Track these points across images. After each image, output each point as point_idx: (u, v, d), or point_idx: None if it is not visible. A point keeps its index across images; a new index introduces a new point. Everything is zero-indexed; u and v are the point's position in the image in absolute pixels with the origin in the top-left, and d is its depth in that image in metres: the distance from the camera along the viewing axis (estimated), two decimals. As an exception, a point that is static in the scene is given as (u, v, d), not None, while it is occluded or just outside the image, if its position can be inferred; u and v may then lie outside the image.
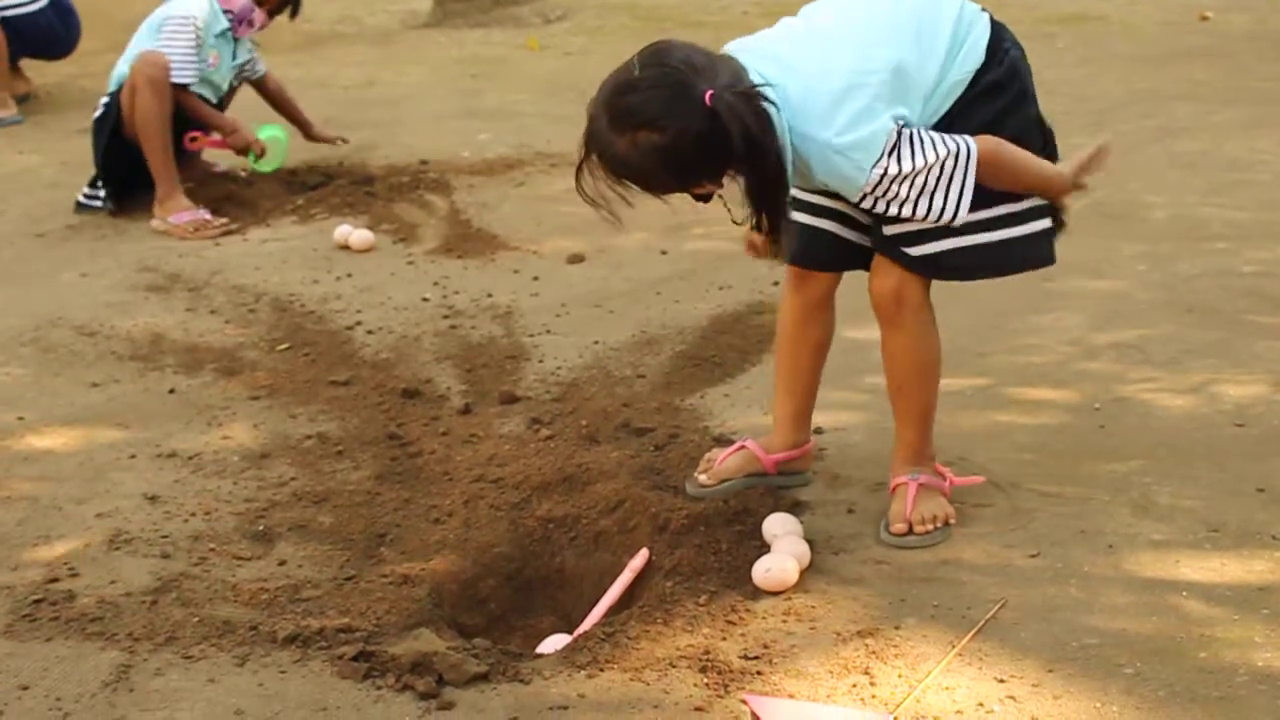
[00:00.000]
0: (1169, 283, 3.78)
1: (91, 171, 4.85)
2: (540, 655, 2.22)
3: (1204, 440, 2.81)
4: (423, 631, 2.20)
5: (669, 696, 2.03)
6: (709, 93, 2.11)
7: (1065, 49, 7.41)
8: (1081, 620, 2.19)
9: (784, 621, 2.22)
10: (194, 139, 4.86)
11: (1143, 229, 4.29)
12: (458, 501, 2.68)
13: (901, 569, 2.38)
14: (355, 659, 2.12)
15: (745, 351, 3.43)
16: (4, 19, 6.29)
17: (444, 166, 5.30)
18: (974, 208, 2.34)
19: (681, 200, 2.33)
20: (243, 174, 5.07)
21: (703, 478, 2.63)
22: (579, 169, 2.23)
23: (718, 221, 2.53)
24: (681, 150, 2.15)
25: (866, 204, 2.32)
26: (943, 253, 2.38)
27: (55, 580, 2.42)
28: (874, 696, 2.02)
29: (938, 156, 2.27)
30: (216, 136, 4.89)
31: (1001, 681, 2.04)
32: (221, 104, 5.00)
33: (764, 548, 2.43)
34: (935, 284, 2.46)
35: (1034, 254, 2.45)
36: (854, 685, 2.05)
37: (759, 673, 2.08)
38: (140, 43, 4.74)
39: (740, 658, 2.12)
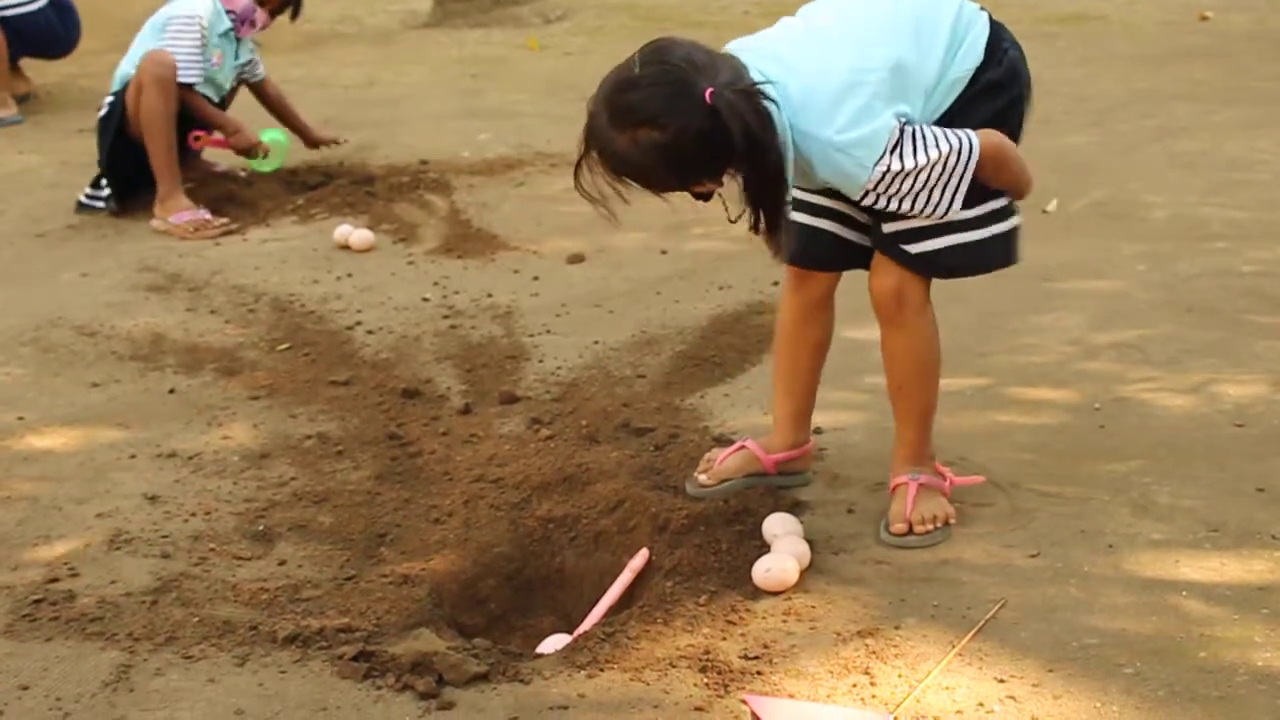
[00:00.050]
0: (1169, 283, 3.78)
1: (94, 171, 4.86)
2: (540, 655, 2.22)
3: (1204, 440, 2.81)
4: (423, 631, 2.20)
5: (669, 696, 2.03)
6: (709, 90, 2.11)
7: (1065, 49, 7.41)
8: (1081, 620, 2.19)
9: (784, 621, 2.22)
10: (197, 137, 4.87)
11: (1143, 229, 4.29)
12: (458, 501, 2.68)
13: (901, 569, 2.38)
14: (355, 659, 2.12)
15: (745, 351, 3.43)
16: (4, 19, 6.29)
17: (444, 166, 5.30)
18: (969, 203, 2.35)
19: (682, 199, 2.33)
20: (243, 174, 5.07)
21: (703, 478, 2.63)
22: (578, 165, 2.23)
23: (718, 221, 2.53)
24: (682, 148, 2.15)
25: (868, 201, 2.32)
26: (940, 250, 2.39)
27: (55, 580, 2.42)
28: (874, 696, 2.02)
29: (940, 153, 2.27)
30: (219, 136, 4.89)
31: (1001, 681, 2.04)
32: (223, 104, 5.00)
33: (764, 548, 2.43)
34: (935, 284, 2.46)
35: (1012, 251, 2.46)
36: (854, 685, 2.05)
37: (759, 673, 2.08)
38: (144, 42, 4.74)
39: (740, 658, 2.12)
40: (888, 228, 2.40)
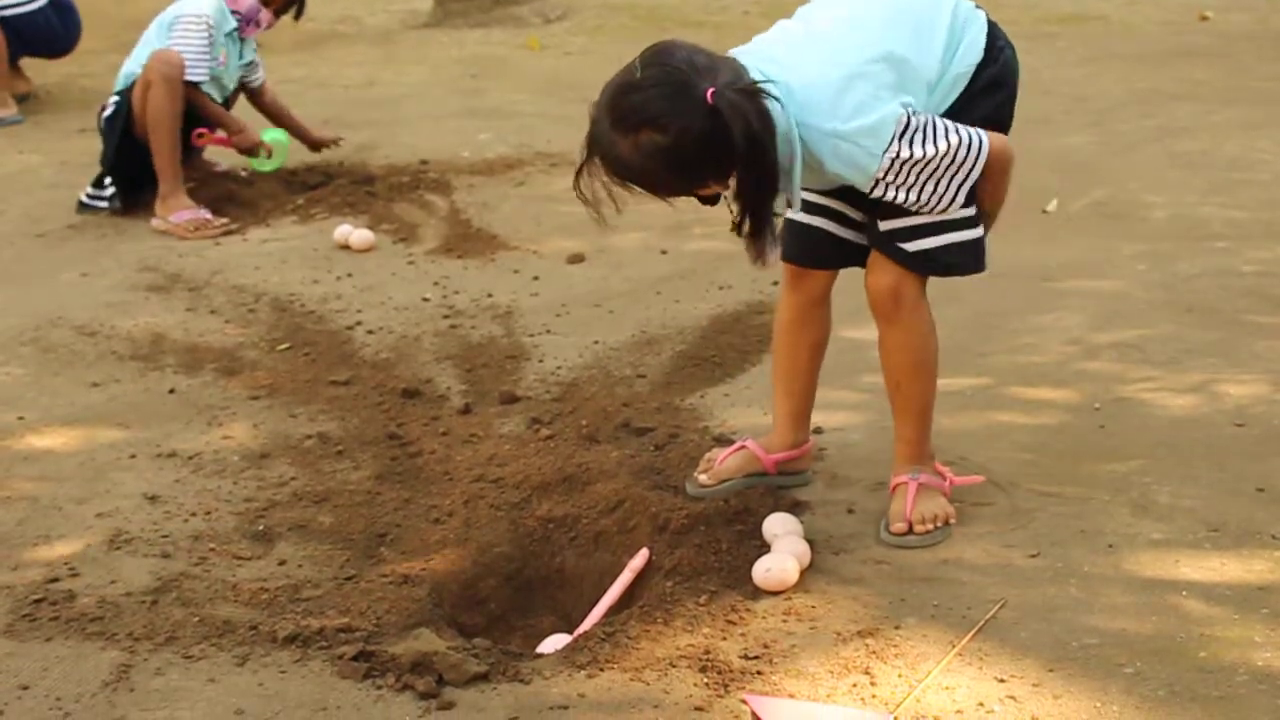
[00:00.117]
0: (1169, 282, 3.78)
1: (95, 171, 4.86)
2: (540, 655, 2.22)
3: (1204, 440, 2.81)
4: (423, 631, 2.20)
5: (669, 696, 2.03)
6: (710, 90, 2.12)
7: (1065, 49, 7.41)
8: (1081, 620, 2.20)
9: (784, 621, 2.22)
10: (200, 135, 4.87)
11: (1143, 229, 4.29)
12: (458, 501, 2.68)
13: (901, 569, 2.38)
14: (355, 659, 2.12)
15: (745, 351, 3.43)
16: (4, 18, 6.29)
17: (444, 166, 5.30)
18: (968, 201, 2.36)
19: (682, 200, 2.33)
20: (243, 173, 5.08)
21: (703, 478, 2.63)
22: (579, 171, 2.23)
23: (718, 221, 2.53)
24: (684, 149, 2.15)
25: (878, 192, 2.32)
26: (937, 248, 2.39)
27: (55, 580, 2.42)
28: (874, 696, 2.02)
29: (949, 145, 2.28)
30: (223, 134, 4.90)
31: (1001, 681, 2.04)
32: (226, 104, 5.00)
33: (764, 548, 2.43)
34: (933, 283, 2.46)
35: (982, 256, 2.45)
36: (854, 685, 2.05)
37: (759, 672, 2.08)
38: (150, 41, 4.74)
39: (740, 657, 2.12)
40: (884, 225, 2.40)
